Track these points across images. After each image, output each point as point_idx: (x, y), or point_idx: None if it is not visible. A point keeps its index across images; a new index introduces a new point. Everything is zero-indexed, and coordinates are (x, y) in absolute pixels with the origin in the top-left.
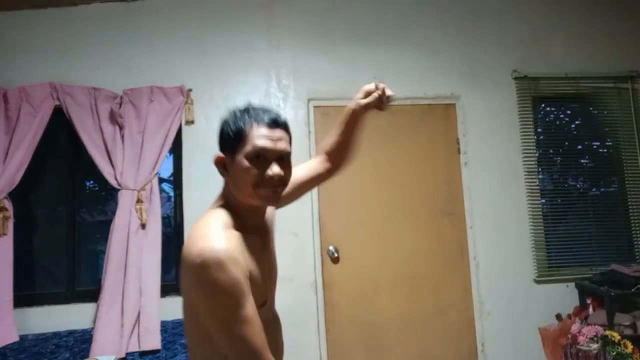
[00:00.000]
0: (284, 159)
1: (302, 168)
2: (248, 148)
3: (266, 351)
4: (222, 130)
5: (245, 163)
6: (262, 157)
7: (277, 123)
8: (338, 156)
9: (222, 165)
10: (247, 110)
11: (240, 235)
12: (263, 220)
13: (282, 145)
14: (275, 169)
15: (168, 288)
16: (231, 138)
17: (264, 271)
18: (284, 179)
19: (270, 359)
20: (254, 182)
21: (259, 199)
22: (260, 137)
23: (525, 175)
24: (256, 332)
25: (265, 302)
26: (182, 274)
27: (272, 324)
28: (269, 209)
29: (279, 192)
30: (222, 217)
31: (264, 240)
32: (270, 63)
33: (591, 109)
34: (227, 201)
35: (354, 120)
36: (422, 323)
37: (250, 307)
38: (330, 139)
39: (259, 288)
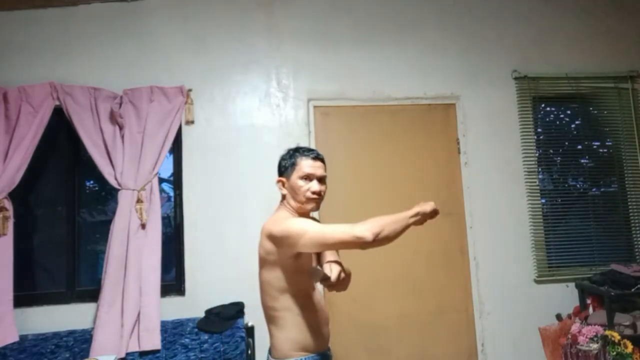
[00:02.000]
0: (322, 180)
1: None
2: (301, 172)
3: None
4: (281, 162)
5: (299, 182)
6: (309, 178)
7: (317, 157)
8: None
9: (282, 184)
10: (297, 149)
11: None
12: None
13: (320, 172)
14: (315, 186)
15: (168, 288)
16: (288, 166)
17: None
18: (321, 193)
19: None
20: (304, 193)
21: (307, 205)
22: (307, 166)
23: (525, 175)
24: (325, 228)
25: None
26: (264, 243)
27: (319, 296)
28: None
29: (318, 201)
30: (280, 214)
31: None
32: (270, 63)
33: (591, 109)
34: (285, 207)
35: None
36: (422, 323)
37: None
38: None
39: (308, 258)
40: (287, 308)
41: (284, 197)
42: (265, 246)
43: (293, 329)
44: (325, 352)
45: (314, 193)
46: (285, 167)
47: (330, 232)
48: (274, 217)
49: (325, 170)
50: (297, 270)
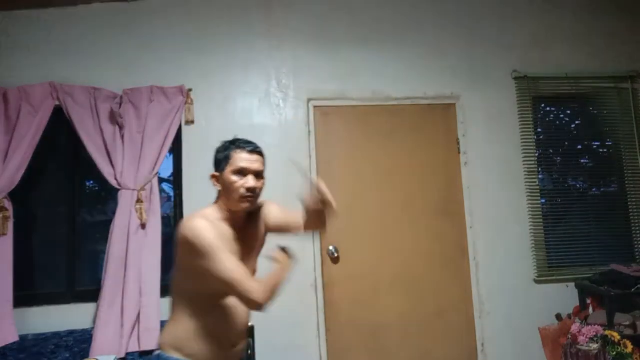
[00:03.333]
0: (258, 175)
1: (294, 215)
2: (234, 167)
3: (239, 273)
4: (216, 155)
5: (232, 177)
6: (243, 174)
7: (254, 151)
8: (308, 227)
9: (216, 179)
10: (233, 142)
11: (219, 224)
12: (246, 221)
13: (256, 166)
14: (250, 182)
15: (168, 288)
16: (222, 160)
17: (242, 252)
18: (256, 190)
19: (247, 278)
20: (236, 190)
21: (240, 203)
22: (242, 159)
23: (525, 175)
24: (234, 264)
25: None
26: (179, 246)
27: (238, 308)
28: (262, 216)
29: (253, 199)
30: (206, 212)
31: (243, 234)
32: (270, 63)
33: (591, 109)
34: (218, 204)
35: (308, 217)
36: (422, 323)
37: (224, 253)
38: (303, 214)
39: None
40: (186, 304)
41: (219, 194)
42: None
43: (181, 326)
44: None
45: (248, 190)
46: (220, 160)
47: (231, 278)
48: (197, 217)
49: (263, 164)
50: (203, 275)
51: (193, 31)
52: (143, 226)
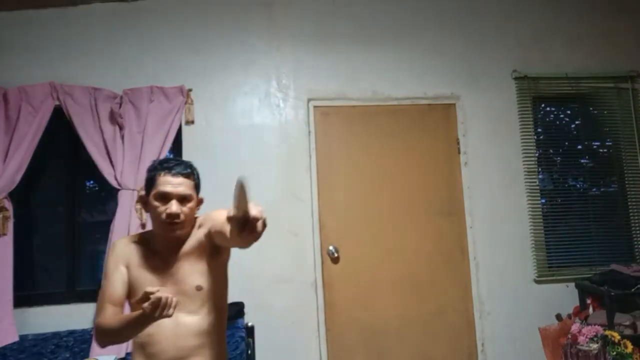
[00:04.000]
0: (184, 200)
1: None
2: (155, 190)
3: (105, 303)
4: (146, 175)
5: (154, 202)
6: (165, 198)
7: (178, 173)
8: (232, 239)
9: (143, 202)
10: (160, 162)
11: (139, 249)
12: (173, 246)
13: (180, 189)
14: (172, 207)
15: None
16: (148, 182)
17: (155, 280)
18: (179, 215)
19: (106, 309)
20: (158, 216)
21: (163, 230)
22: (163, 183)
23: (525, 175)
24: (105, 290)
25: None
26: None
27: (162, 325)
28: (194, 240)
29: (176, 226)
30: (134, 235)
31: (166, 261)
32: (270, 63)
33: (591, 109)
34: (145, 232)
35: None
36: (422, 323)
37: (110, 279)
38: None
39: (139, 288)
40: None
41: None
42: None
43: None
44: None
45: (168, 216)
46: (147, 182)
47: (99, 310)
48: (123, 241)
49: (192, 187)
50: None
51: (193, 31)
52: (143, 226)
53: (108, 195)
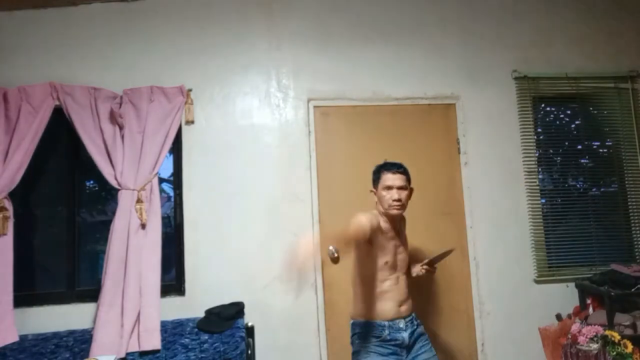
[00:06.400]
0: (401, 189)
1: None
2: (383, 184)
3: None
4: (373, 175)
5: (383, 192)
6: (389, 188)
7: (397, 171)
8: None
9: (374, 193)
10: (383, 165)
11: (378, 219)
12: (395, 220)
13: (398, 182)
14: (394, 195)
15: (168, 288)
16: (376, 179)
17: (390, 244)
18: (400, 199)
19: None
20: (386, 201)
21: (389, 209)
22: (388, 179)
23: (525, 175)
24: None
25: (387, 262)
26: None
27: (394, 280)
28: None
29: (398, 206)
30: (370, 212)
31: (394, 230)
32: (270, 63)
33: (591, 109)
34: (376, 209)
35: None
36: (421, 323)
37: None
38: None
39: (382, 250)
40: None
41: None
42: None
43: None
44: None
45: (393, 200)
46: (375, 179)
47: None
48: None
49: (407, 180)
50: None
51: (193, 31)
52: (143, 226)
53: (108, 195)
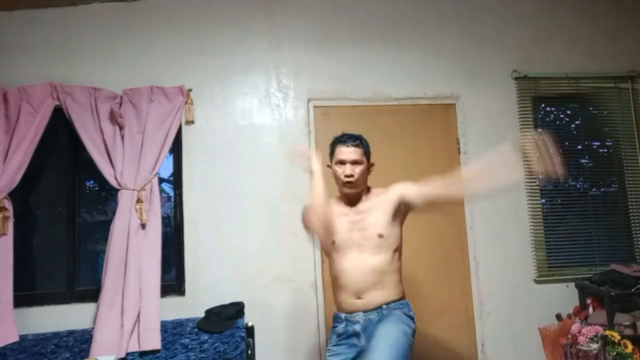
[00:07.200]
0: (355, 163)
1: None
2: (336, 157)
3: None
4: (329, 148)
5: (336, 167)
6: (342, 163)
7: (352, 144)
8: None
9: (330, 167)
10: (339, 137)
11: (334, 201)
12: (354, 199)
13: (353, 156)
14: (347, 170)
15: (168, 288)
16: (331, 154)
17: (342, 223)
18: (352, 175)
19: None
20: (339, 177)
21: (342, 188)
22: (340, 152)
23: (525, 175)
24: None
25: (334, 242)
26: None
27: (350, 262)
28: (379, 200)
29: (349, 183)
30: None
31: (352, 209)
32: (270, 63)
33: (591, 109)
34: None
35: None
36: (422, 323)
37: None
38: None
39: (328, 230)
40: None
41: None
42: None
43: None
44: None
45: (345, 176)
46: (330, 153)
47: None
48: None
49: (364, 154)
50: None
51: (193, 31)
52: (143, 226)
53: (108, 195)
